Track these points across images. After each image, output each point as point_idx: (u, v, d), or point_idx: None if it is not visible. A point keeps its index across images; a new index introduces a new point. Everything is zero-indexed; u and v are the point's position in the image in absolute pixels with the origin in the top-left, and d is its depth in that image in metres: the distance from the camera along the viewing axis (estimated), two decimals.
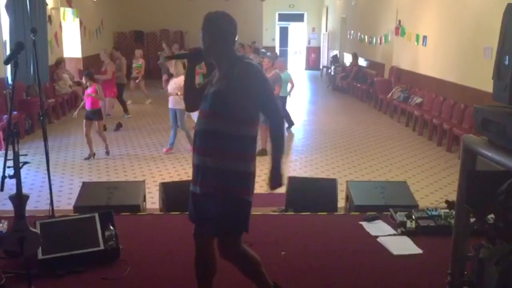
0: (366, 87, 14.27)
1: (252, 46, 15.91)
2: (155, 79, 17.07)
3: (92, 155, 7.94)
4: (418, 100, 10.82)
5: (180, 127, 8.26)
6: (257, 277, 2.88)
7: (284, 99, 9.82)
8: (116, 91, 10.67)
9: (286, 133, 9.67)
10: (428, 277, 3.45)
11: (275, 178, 2.73)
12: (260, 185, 4.26)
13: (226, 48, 2.74)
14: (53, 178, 5.21)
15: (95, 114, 7.86)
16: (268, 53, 13.78)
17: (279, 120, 2.79)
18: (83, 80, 7.89)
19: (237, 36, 2.80)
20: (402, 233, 4.11)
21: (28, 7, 10.37)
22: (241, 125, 2.67)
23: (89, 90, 7.82)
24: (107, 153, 8.13)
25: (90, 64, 15.33)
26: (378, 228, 4.23)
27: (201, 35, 2.75)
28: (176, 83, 7.95)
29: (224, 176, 2.65)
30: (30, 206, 4.16)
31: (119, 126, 10.17)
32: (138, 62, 13.14)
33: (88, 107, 7.81)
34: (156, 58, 18.70)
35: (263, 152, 7.43)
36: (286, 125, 10.25)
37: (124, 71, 11.74)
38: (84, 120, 7.87)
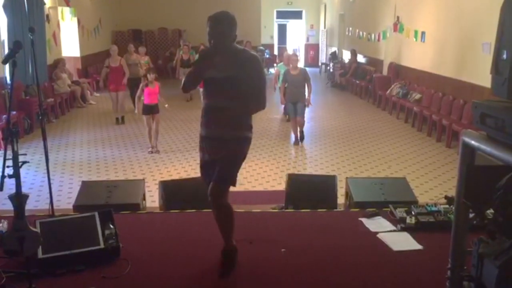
0: (365, 83, 14.27)
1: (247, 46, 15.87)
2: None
3: (153, 147, 8.34)
4: (417, 96, 10.82)
5: None
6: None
7: None
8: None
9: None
10: (428, 272, 3.45)
11: None
12: (260, 183, 4.27)
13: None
14: (52, 177, 5.21)
15: (154, 108, 8.34)
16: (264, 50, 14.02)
17: None
18: (149, 77, 8.29)
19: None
20: (402, 229, 4.10)
21: (26, 6, 10.36)
22: None
23: (152, 87, 8.24)
24: (152, 151, 8.31)
25: (89, 63, 15.35)
26: (378, 224, 4.23)
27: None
28: None
29: None
30: (29, 206, 4.16)
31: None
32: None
33: (147, 102, 8.28)
34: (155, 57, 18.71)
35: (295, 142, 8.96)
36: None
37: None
38: (145, 116, 8.34)
